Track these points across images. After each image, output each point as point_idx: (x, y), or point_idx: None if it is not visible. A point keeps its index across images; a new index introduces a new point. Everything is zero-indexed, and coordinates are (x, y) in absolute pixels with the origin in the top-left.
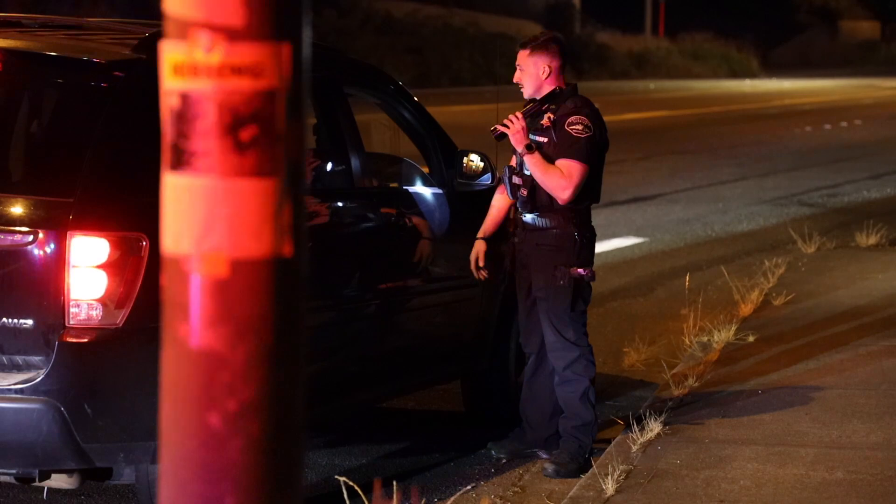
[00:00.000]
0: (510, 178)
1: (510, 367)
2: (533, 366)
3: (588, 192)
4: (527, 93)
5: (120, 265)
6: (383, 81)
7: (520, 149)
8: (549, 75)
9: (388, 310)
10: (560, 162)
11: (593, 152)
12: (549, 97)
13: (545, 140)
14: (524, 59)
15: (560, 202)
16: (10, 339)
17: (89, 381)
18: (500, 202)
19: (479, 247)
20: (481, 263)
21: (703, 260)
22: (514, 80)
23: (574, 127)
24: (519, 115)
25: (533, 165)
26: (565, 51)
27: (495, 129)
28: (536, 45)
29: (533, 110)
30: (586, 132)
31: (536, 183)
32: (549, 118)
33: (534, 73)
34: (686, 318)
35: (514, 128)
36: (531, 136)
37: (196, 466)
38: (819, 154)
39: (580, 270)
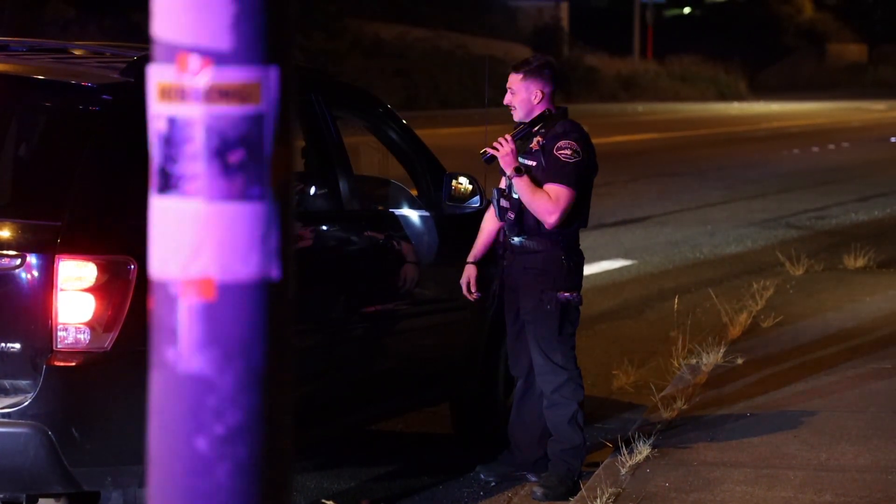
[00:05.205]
0: (498, 201)
1: (499, 389)
2: (522, 389)
3: (576, 216)
4: (517, 116)
5: (108, 289)
6: (371, 104)
7: (509, 171)
8: (540, 100)
9: (377, 332)
10: (548, 186)
11: (581, 177)
12: (538, 120)
13: (534, 163)
14: (516, 82)
15: (546, 226)
16: None
17: (77, 405)
18: (489, 225)
19: (470, 271)
20: (473, 288)
21: (691, 282)
22: (505, 102)
23: (563, 152)
24: (508, 137)
25: (521, 189)
26: (557, 76)
27: (485, 151)
28: (529, 70)
29: (522, 133)
30: (575, 157)
31: (524, 206)
32: (538, 142)
33: (525, 98)
34: (675, 341)
35: (504, 150)
36: (520, 159)
37: (184, 491)
38: (807, 176)
39: (566, 294)
